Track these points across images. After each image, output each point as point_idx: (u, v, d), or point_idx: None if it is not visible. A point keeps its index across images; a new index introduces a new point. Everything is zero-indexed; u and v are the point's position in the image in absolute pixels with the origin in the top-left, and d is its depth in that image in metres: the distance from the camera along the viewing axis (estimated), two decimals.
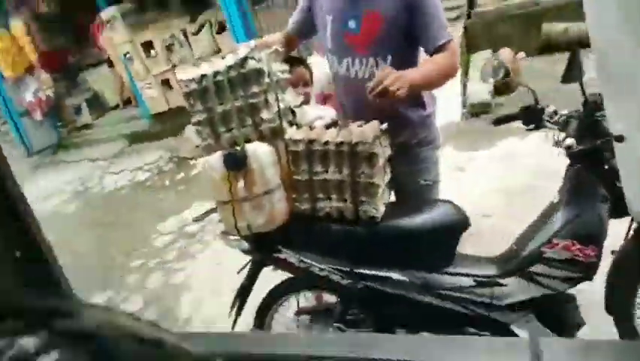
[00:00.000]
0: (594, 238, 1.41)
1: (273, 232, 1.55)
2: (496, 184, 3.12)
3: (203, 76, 1.49)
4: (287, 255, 1.60)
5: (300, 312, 1.84)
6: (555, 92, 4.40)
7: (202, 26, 5.72)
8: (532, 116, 1.55)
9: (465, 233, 1.55)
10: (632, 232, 1.46)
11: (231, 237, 1.62)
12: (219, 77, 1.47)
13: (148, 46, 5.94)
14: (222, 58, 1.53)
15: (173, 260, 3.62)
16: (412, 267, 1.53)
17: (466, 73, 5.09)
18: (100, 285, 3.66)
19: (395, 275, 1.52)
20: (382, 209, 1.52)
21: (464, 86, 4.65)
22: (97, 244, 4.42)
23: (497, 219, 2.81)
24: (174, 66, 5.84)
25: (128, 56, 5.96)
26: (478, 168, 3.38)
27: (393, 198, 1.72)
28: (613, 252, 1.52)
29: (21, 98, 6.98)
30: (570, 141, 1.31)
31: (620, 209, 1.40)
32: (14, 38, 6.78)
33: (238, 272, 1.72)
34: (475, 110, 4.35)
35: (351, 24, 1.57)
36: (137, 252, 3.96)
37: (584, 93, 1.37)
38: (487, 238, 2.65)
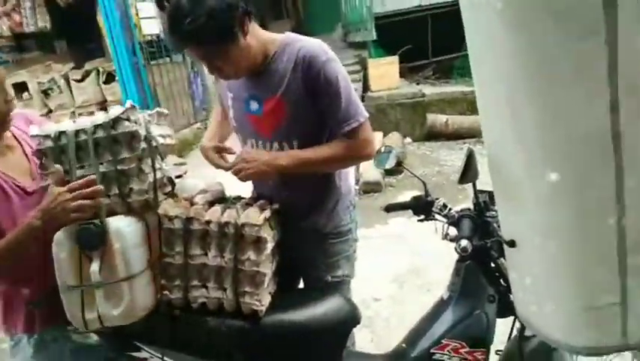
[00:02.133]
0: (483, 340, 1.37)
1: (130, 324, 1.27)
2: (388, 265, 3.12)
3: (61, 133, 1.24)
4: (147, 354, 1.32)
5: None
6: (437, 174, 4.76)
7: (88, 74, 5.31)
8: (423, 208, 1.54)
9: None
10: (515, 332, 1.45)
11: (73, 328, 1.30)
12: (82, 137, 1.23)
13: (21, 88, 5.33)
14: (103, 111, 1.31)
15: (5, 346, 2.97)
16: None
17: None
18: None
19: None
20: (267, 301, 1.34)
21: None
22: None
23: (387, 303, 2.77)
24: (50, 111, 5.28)
25: None
26: (371, 247, 3.37)
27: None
28: (497, 352, 1.50)
29: None
30: (465, 243, 1.29)
31: (505, 309, 1.39)
32: None
33: None
34: (368, 189, 4.49)
35: (253, 106, 1.43)
36: None
37: (475, 194, 1.38)
38: (379, 322, 2.59)
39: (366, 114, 1.43)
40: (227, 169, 1.44)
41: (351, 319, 1.40)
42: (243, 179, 1.41)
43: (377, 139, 5.50)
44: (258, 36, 1.37)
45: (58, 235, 1.21)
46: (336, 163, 1.46)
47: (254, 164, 1.38)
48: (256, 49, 1.37)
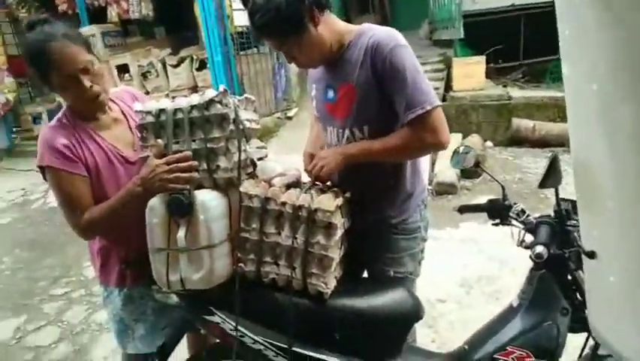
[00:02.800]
0: (550, 352, 1.32)
1: (208, 290, 1.38)
2: (456, 268, 3.06)
3: (161, 110, 1.37)
4: (220, 319, 1.43)
5: None
6: (518, 182, 4.54)
7: (183, 60, 5.67)
8: (499, 212, 1.50)
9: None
10: (587, 350, 1.38)
11: (157, 288, 1.44)
12: (179, 115, 1.35)
13: (123, 70, 5.83)
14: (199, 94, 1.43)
15: (100, 295, 3.31)
16: (354, 354, 1.38)
17: None
18: (14, 309, 3.29)
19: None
20: (333, 285, 1.39)
21: (433, 164, 4.71)
22: (23, 261, 4.03)
23: (453, 306, 2.72)
24: (147, 93, 5.72)
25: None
26: (440, 249, 3.31)
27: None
28: None
29: None
30: (540, 248, 1.25)
31: (579, 324, 1.33)
32: None
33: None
34: (441, 190, 4.38)
35: (330, 94, 1.51)
36: (64, 279, 3.62)
37: (557, 200, 1.33)
38: (442, 324, 2.55)
39: (437, 103, 1.37)
40: (309, 171, 1.51)
41: (413, 313, 1.41)
42: (322, 175, 1.45)
43: (454, 137, 5.35)
44: (332, 26, 1.44)
45: (152, 202, 1.34)
46: (401, 152, 1.44)
47: (327, 159, 1.44)
48: (330, 38, 1.43)
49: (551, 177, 1.17)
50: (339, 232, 1.37)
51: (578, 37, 0.95)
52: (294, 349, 1.38)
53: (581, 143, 1.08)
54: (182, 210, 1.32)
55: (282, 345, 1.39)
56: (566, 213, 1.33)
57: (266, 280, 1.40)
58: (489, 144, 5.68)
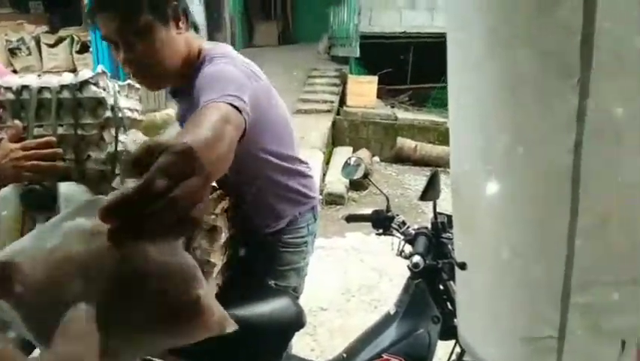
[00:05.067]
0: (423, 359, 1.38)
1: None
2: (339, 277, 3.13)
3: (24, 87, 1.18)
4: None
5: None
6: (400, 196, 4.83)
7: (61, 40, 5.11)
8: (382, 222, 1.55)
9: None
10: (454, 356, 1.47)
11: None
12: (46, 95, 1.18)
13: None
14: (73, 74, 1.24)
15: None
16: None
17: (327, 162, 5.32)
18: None
19: None
20: (213, 292, 1.31)
21: (324, 175, 4.82)
22: None
23: (333, 314, 2.76)
24: (15, 72, 5.04)
25: None
26: (326, 257, 3.36)
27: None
28: None
29: None
30: (417, 258, 1.30)
31: (448, 332, 1.41)
32: None
33: None
34: (331, 200, 4.50)
35: None
36: None
37: (435, 213, 1.41)
38: (322, 332, 2.58)
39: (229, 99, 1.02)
40: None
41: (296, 321, 1.38)
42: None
43: (345, 150, 5.54)
44: (189, 40, 1.25)
45: (3, 191, 1.14)
46: None
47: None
48: (184, 52, 1.24)
49: (430, 191, 1.24)
50: (224, 236, 1.30)
51: (465, 62, 1.02)
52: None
53: (459, 166, 1.16)
54: (40, 203, 1.14)
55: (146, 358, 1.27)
56: (441, 226, 1.42)
57: None
58: (376, 159, 6.00)
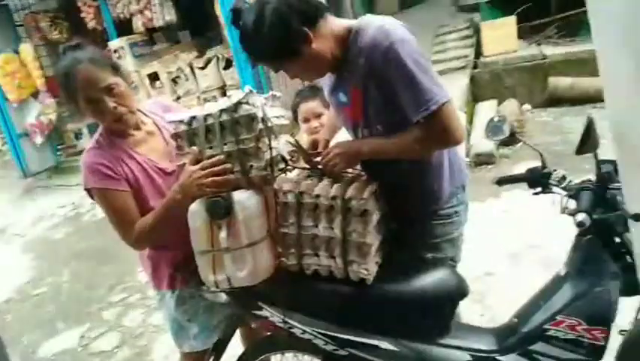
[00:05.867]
0: (603, 318, 1.29)
1: (254, 286, 1.43)
2: (501, 240, 3.01)
3: (192, 118, 1.41)
4: (268, 313, 1.48)
5: None
6: (561, 143, 4.36)
7: (209, 61, 5.76)
8: (539, 180, 1.47)
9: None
10: None
11: (207, 287, 1.50)
12: (210, 120, 1.40)
13: (154, 77, 5.99)
14: (223, 95, 1.46)
15: (154, 298, 3.48)
16: (403, 336, 1.41)
17: (470, 121, 5.06)
18: (77, 318, 3.51)
19: (384, 344, 1.39)
20: (374, 270, 1.41)
21: (468, 135, 4.60)
22: (81, 272, 4.28)
23: (500, 278, 2.68)
24: (179, 98, 5.86)
25: (133, 85, 6.00)
26: (484, 221, 3.26)
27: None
28: (621, 331, 1.40)
29: (23, 121, 7.02)
30: (582, 216, 1.21)
31: (631, 287, 1.29)
32: (22, 62, 6.87)
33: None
34: (479, 161, 4.29)
35: (342, 98, 1.47)
36: (120, 285, 3.82)
37: (597, 164, 1.29)
38: (490, 297, 2.53)
39: (443, 100, 1.28)
40: (321, 161, 1.47)
41: (457, 290, 1.41)
42: (334, 172, 1.44)
43: (489, 104, 5.19)
44: (329, 33, 1.37)
45: (193, 207, 1.40)
46: (413, 152, 1.39)
47: (340, 157, 1.41)
48: (329, 48, 1.37)
49: (588, 142, 1.13)
50: (375, 218, 1.38)
51: None
52: (344, 336, 1.41)
53: (617, 103, 1.05)
54: (221, 212, 1.37)
55: (330, 333, 1.43)
56: (607, 176, 1.29)
57: (308, 271, 1.44)
58: (526, 107, 5.48)
